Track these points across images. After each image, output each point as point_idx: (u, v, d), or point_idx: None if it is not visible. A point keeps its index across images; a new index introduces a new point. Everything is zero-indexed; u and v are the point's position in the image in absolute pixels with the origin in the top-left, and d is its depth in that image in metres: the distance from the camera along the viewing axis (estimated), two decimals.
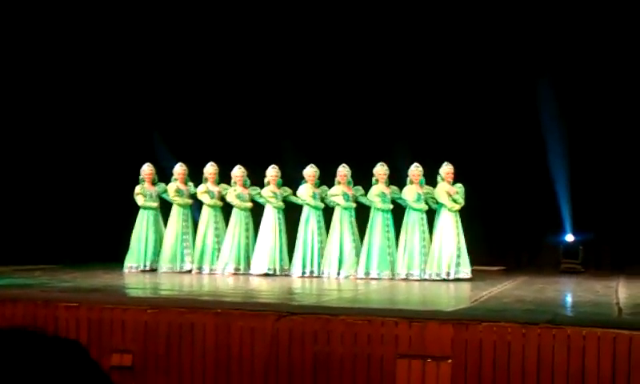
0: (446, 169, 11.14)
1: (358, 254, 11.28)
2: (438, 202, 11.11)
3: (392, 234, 11.24)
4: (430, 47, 13.22)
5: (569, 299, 8.98)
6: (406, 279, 10.93)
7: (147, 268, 11.95)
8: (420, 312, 7.32)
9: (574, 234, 12.77)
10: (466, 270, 10.94)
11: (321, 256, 11.45)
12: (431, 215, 11.20)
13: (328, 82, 13.72)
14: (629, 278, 10.92)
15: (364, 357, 6.95)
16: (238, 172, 11.99)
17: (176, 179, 12.23)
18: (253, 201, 11.90)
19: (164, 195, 12.30)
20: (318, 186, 11.67)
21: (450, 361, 6.74)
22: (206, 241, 11.91)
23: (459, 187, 11.09)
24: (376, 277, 11.02)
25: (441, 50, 13.19)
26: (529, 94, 12.83)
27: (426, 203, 11.17)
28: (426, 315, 7.11)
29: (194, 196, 12.19)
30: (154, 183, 12.32)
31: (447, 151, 11.69)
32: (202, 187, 12.05)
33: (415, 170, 11.25)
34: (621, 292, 9.59)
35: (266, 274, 11.36)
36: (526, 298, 8.79)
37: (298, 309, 7.48)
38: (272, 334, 7.15)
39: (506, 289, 9.87)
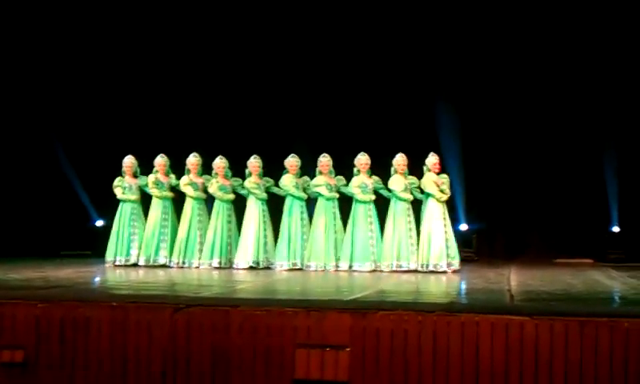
0: (432, 159, 11.04)
1: (341, 246, 11.11)
2: (423, 193, 11.04)
3: (376, 226, 11.08)
4: (405, 39, 13.15)
5: (463, 287, 9.17)
6: (394, 271, 10.77)
7: (124, 262, 11.65)
8: (318, 301, 7.34)
9: (467, 224, 13.08)
10: (455, 262, 10.90)
11: (304, 248, 11.24)
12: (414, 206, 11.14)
13: (308, 71, 13.53)
14: (520, 265, 11.25)
15: (263, 348, 6.92)
16: (219, 162, 11.71)
17: (157, 171, 11.92)
18: (235, 192, 11.66)
19: (145, 188, 11.97)
20: (300, 177, 11.45)
21: (348, 349, 6.79)
22: (189, 234, 11.62)
23: (444, 178, 11.06)
24: (359, 269, 10.86)
25: (414, 43, 13.13)
26: (427, 94, 12.97)
27: (411, 193, 11.08)
28: (324, 305, 7.13)
29: (175, 188, 11.90)
30: (135, 175, 11.98)
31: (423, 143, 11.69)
32: (184, 179, 11.76)
33: (401, 160, 11.11)
34: (512, 279, 9.88)
35: (251, 268, 11.14)
36: (422, 287, 8.96)
37: (196, 300, 7.38)
38: (169, 326, 7.05)
39: (403, 279, 10.02)
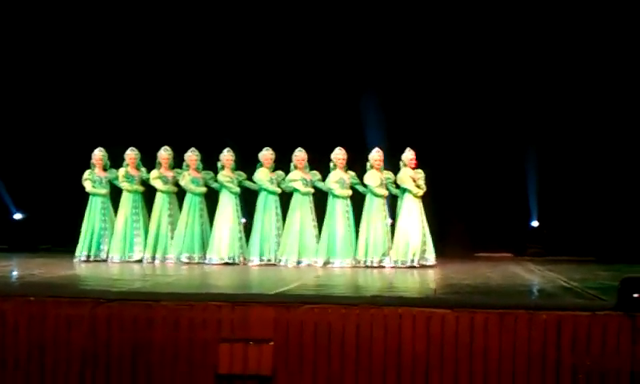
0: (409, 155, 10.95)
1: (317, 242, 10.90)
2: (399, 188, 10.95)
3: (352, 221, 10.90)
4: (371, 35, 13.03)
5: (388, 280, 9.25)
6: (370, 266, 10.63)
7: (95, 258, 11.30)
8: (242, 296, 7.31)
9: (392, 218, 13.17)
10: (431, 257, 10.85)
11: (278, 244, 10.99)
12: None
13: (281, 65, 13.23)
14: (444, 259, 11.38)
15: (185, 342, 6.85)
16: (191, 155, 11.40)
17: (127, 164, 11.56)
18: (206, 186, 11.38)
19: (115, 181, 11.60)
20: (273, 171, 11.18)
21: (271, 343, 6.77)
22: (160, 228, 11.31)
23: (420, 173, 10.97)
24: (339, 265, 10.65)
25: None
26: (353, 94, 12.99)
27: (387, 189, 10.97)
28: (247, 299, 7.11)
29: (146, 182, 11.57)
30: (105, 169, 11.62)
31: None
32: (154, 173, 11.44)
33: (377, 156, 10.93)
34: (435, 273, 10.02)
35: (227, 263, 10.87)
36: (348, 281, 9.01)
37: (117, 295, 7.26)
38: (89, 321, 6.92)
39: (333, 273, 10.06)
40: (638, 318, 6.51)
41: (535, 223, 13.00)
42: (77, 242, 11.39)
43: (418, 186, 10.85)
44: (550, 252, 12.54)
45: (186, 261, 11.04)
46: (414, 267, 10.60)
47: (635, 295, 6.55)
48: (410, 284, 8.87)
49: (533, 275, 9.91)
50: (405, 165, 10.93)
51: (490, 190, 11.34)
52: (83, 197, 11.58)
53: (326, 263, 10.69)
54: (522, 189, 12.88)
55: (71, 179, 11.94)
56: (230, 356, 6.77)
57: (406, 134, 11.72)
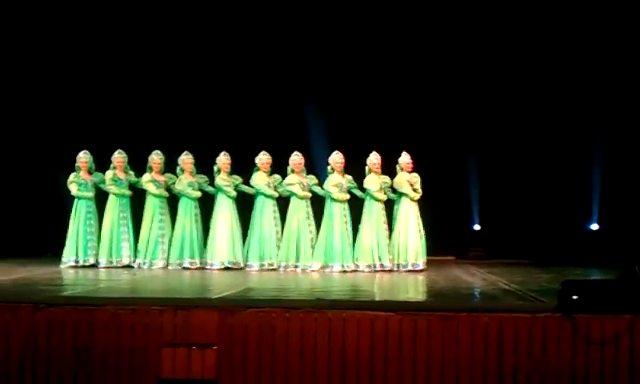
0: (406, 159, 10.90)
1: (314, 246, 10.73)
2: (396, 192, 10.90)
3: (349, 226, 10.77)
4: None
5: (332, 284, 9.25)
6: (374, 271, 10.52)
7: (82, 263, 10.95)
8: (185, 300, 7.25)
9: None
10: (424, 260, 10.83)
11: (278, 247, 10.78)
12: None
13: (274, 69, 12.96)
14: None
15: (127, 347, 6.78)
16: (186, 159, 11.11)
17: (115, 167, 11.21)
18: (200, 190, 11.11)
19: (101, 185, 11.26)
20: (270, 175, 10.98)
21: (215, 347, 6.73)
22: (150, 233, 11.00)
23: (416, 177, 10.92)
24: (338, 269, 10.50)
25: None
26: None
27: (385, 193, 10.91)
28: (190, 303, 7.05)
29: (134, 186, 11.26)
30: (90, 172, 11.28)
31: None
32: (146, 176, 11.11)
33: (375, 160, 10.83)
34: (378, 277, 10.07)
35: (227, 268, 10.64)
36: (290, 286, 8.99)
37: (58, 300, 7.14)
38: (28, 326, 6.79)
39: (271, 277, 10.04)
40: (577, 319, 6.63)
41: (477, 226, 13.15)
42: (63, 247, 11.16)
43: (415, 190, 10.87)
44: (491, 255, 12.70)
45: (184, 266, 10.81)
46: (412, 271, 10.63)
47: (575, 297, 6.68)
48: (349, 288, 8.88)
49: (474, 278, 10.02)
50: (401, 169, 10.92)
51: (433, 194, 11.42)
52: (67, 201, 11.35)
53: (324, 268, 10.60)
54: (464, 193, 13.02)
55: (55, 183, 11.80)
56: (172, 361, 6.72)
57: (350, 140, 11.75)
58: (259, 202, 10.87)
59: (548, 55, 12.52)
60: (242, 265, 10.78)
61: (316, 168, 11.26)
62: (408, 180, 10.85)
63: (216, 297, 7.52)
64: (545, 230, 12.45)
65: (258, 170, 10.92)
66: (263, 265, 10.71)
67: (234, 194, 10.96)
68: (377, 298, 7.81)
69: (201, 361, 6.72)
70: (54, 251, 11.74)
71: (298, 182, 10.81)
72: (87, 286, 8.88)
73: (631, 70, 12.03)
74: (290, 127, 12.57)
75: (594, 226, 12.75)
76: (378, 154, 10.86)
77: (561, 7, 12.42)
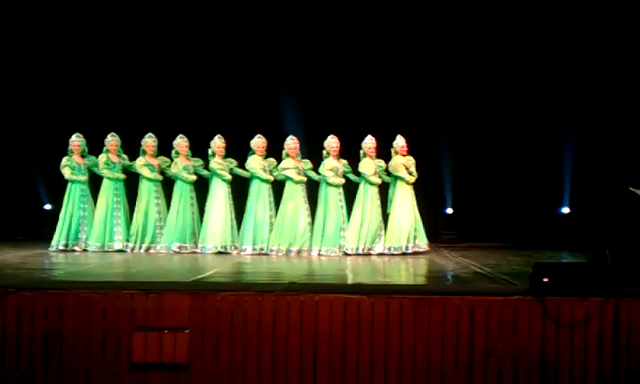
0: (400, 142, 10.88)
1: (311, 231, 10.69)
2: (391, 175, 10.88)
3: (345, 210, 10.75)
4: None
5: (307, 267, 9.26)
6: (364, 254, 10.55)
7: (73, 247, 10.82)
8: (156, 283, 7.21)
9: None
10: (423, 243, 10.85)
11: (270, 232, 10.71)
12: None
13: (270, 51, 12.80)
14: None
15: (98, 331, 6.74)
16: (181, 142, 10.97)
17: (108, 150, 11.05)
18: (195, 173, 11.00)
19: (94, 168, 11.09)
20: (265, 158, 10.88)
21: (187, 331, 6.71)
22: (148, 217, 10.88)
23: (411, 160, 10.92)
24: (332, 253, 10.51)
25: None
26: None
27: (380, 177, 10.88)
28: (162, 287, 7.01)
29: (127, 169, 11.11)
30: (82, 155, 11.10)
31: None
32: (140, 160, 10.96)
33: (370, 143, 10.82)
34: (349, 260, 10.08)
35: (220, 252, 10.56)
36: (262, 269, 8.98)
37: (28, 283, 7.07)
38: None
39: (245, 260, 10.02)
40: (548, 302, 6.68)
41: (449, 210, 13.20)
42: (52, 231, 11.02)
43: (410, 173, 10.87)
44: (464, 238, 12.76)
45: (177, 250, 10.72)
46: (407, 254, 10.65)
47: (546, 280, 6.72)
48: (323, 271, 8.88)
49: (447, 261, 10.06)
50: (396, 152, 10.90)
51: None
52: (59, 184, 11.21)
53: (319, 251, 10.59)
54: (437, 177, 13.05)
55: (48, 166, 11.63)
56: (144, 345, 6.68)
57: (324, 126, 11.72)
58: (254, 185, 10.81)
59: (522, 41, 12.56)
60: (236, 249, 10.71)
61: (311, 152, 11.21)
62: (403, 163, 10.86)
63: (188, 280, 7.49)
64: (517, 213, 12.53)
65: (254, 153, 10.85)
66: (256, 249, 10.64)
67: (229, 177, 10.89)
68: (350, 282, 7.81)
69: (173, 345, 6.69)
70: (25, 235, 11.64)
71: (294, 166, 10.76)
72: (59, 269, 8.81)
73: (603, 57, 12.10)
74: (281, 111, 12.51)
75: (565, 210, 12.85)
76: (373, 138, 10.87)
77: None
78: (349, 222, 10.72)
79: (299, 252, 10.59)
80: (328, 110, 12.56)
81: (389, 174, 10.95)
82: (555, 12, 12.40)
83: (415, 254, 10.69)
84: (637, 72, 11.62)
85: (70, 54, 12.88)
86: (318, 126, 11.60)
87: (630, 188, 8.00)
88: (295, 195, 10.71)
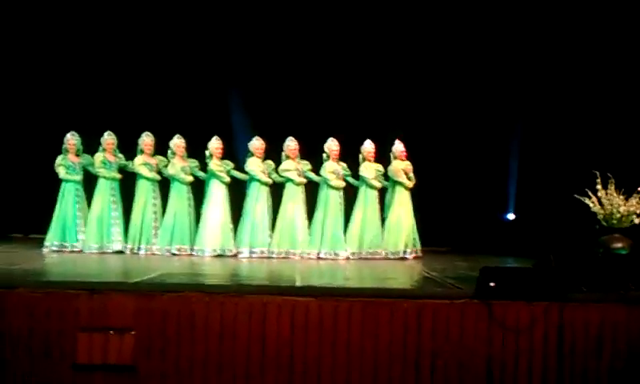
0: (399, 147, 10.90)
1: (309, 233, 10.59)
2: (389, 180, 10.87)
3: (343, 213, 10.70)
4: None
5: (248, 270, 9.22)
6: (369, 258, 10.51)
7: (70, 248, 10.52)
8: (102, 284, 7.10)
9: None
10: (418, 248, 10.86)
11: (270, 236, 10.52)
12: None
13: (265, 52, 12.60)
14: None
15: (42, 332, 6.61)
16: (178, 142, 10.71)
17: (104, 149, 10.73)
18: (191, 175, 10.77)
19: (89, 168, 10.77)
20: (263, 161, 10.69)
21: (133, 332, 6.62)
22: (145, 218, 10.60)
23: (409, 165, 10.94)
24: (333, 256, 10.44)
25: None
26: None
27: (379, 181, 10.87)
28: (107, 287, 6.91)
29: (123, 169, 10.82)
30: (77, 154, 10.78)
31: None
32: (139, 159, 10.67)
33: (369, 147, 10.82)
34: (301, 264, 10.06)
35: (219, 255, 10.34)
36: (216, 271, 8.91)
37: None
38: None
39: (197, 262, 9.94)
40: (494, 305, 6.75)
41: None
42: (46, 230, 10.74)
43: (409, 179, 10.92)
44: None
45: (176, 252, 10.49)
46: (405, 259, 10.67)
47: (492, 284, 6.79)
48: (266, 274, 8.85)
49: (395, 265, 10.11)
50: (395, 157, 10.94)
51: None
52: (53, 183, 10.87)
53: (319, 255, 10.52)
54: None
55: (41, 165, 11.25)
56: (88, 345, 6.58)
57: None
58: (253, 188, 10.65)
59: (469, 47, 12.66)
60: (234, 252, 10.55)
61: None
62: (403, 168, 10.92)
63: (133, 280, 7.40)
64: (464, 218, 12.63)
65: (252, 155, 10.71)
66: (254, 252, 10.49)
67: (227, 179, 10.71)
68: (298, 284, 7.80)
69: (118, 346, 6.60)
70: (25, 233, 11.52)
71: (294, 168, 10.69)
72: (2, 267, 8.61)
73: (550, 64, 12.26)
74: (282, 113, 12.34)
75: (511, 216, 13.01)
76: (372, 142, 10.91)
77: (482, 1, 12.58)
78: (349, 225, 10.73)
79: (300, 256, 10.50)
80: (321, 113, 12.46)
81: (386, 178, 11.00)
82: (502, 23, 12.54)
83: (411, 258, 10.73)
84: (582, 80, 11.80)
85: (65, 51, 12.60)
86: (313, 129, 11.52)
87: (575, 195, 8.12)
88: (295, 197, 10.65)
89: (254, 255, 10.45)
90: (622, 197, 7.84)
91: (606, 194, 7.86)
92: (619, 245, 7.59)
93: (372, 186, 10.83)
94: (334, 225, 10.63)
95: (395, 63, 12.73)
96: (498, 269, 7.12)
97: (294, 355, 6.69)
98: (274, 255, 10.46)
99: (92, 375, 6.59)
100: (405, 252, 10.78)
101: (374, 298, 6.83)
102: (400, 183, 10.90)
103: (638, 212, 7.78)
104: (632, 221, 7.81)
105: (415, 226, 10.97)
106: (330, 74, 12.69)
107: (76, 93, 12.56)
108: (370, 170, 10.85)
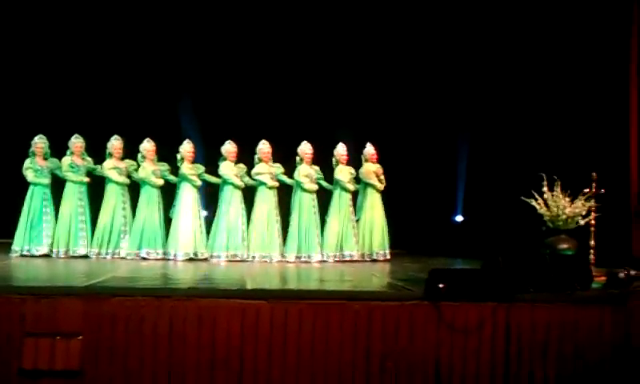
0: (370, 150, 11.03)
1: (281, 236, 10.59)
2: (360, 183, 10.95)
3: (318, 216, 10.71)
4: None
5: (202, 274, 9.16)
6: (339, 261, 10.61)
7: (35, 252, 10.30)
8: (48, 288, 6.99)
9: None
10: (387, 250, 10.96)
11: (243, 239, 10.47)
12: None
13: (242, 56, 12.56)
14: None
15: None
16: (148, 146, 10.58)
17: (72, 153, 10.53)
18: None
19: (56, 171, 10.53)
20: (235, 164, 10.66)
21: (80, 337, 6.54)
22: (114, 222, 10.42)
23: (380, 168, 11.05)
24: (307, 260, 10.49)
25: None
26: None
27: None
28: (55, 291, 6.81)
29: (92, 172, 10.61)
30: (45, 158, 10.53)
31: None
32: (108, 163, 10.51)
33: (342, 151, 10.90)
34: (252, 267, 10.04)
35: (191, 259, 10.22)
36: (181, 275, 8.84)
37: None
38: None
39: (146, 266, 9.85)
40: (442, 307, 6.81)
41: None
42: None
43: (380, 181, 11.02)
44: None
45: (146, 256, 10.37)
46: (377, 260, 10.79)
47: (441, 285, 6.85)
48: (221, 277, 8.80)
49: (345, 267, 10.14)
50: (366, 160, 11.05)
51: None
52: (20, 187, 10.70)
53: (294, 258, 10.55)
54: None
55: (7, 169, 11.14)
56: (35, 351, 6.47)
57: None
58: (226, 191, 10.62)
59: (419, 52, 12.77)
60: (206, 255, 10.49)
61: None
62: (374, 171, 11.03)
63: (81, 285, 7.29)
64: (414, 221, 12.73)
65: (225, 159, 10.67)
66: (228, 255, 10.46)
67: (199, 183, 10.65)
68: (249, 287, 7.77)
69: (65, 351, 6.51)
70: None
71: (267, 171, 10.70)
72: None
73: (497, 71, 12.41)
74: (254, 116, 12.35)
75: (459, 218, 13.15)
76: (344, 146, 11.01)
77: (433, 8, 12.70)
78: (325, 229, 10.79)
79: (275, 259, 10.52)
80: (294, 116, 12.51)
81: (358, 181, 11.08)
82: (449, 29, 12.67)
83: (384, 261, 10.85)
84: (527, 83, 11.96)
85: (32, 54, 12.42)
86: (285, 132, 11.59)
87: (522, 197, 8.24)
88: (267, 200, 10.67)
89: (229, 259, 10.44)
90: (567, 198, 7.98)
91: (552, 195, 7.98)
92: (565, 246, 7.73)
93: (346, 189, 10.93)
94: (308, 228, 10.68)
95: (351, 69, 12.80)
96: (446, 270, 7.21)
97: (243, 359, 6.66)
98: (248, 259, 10.47)
99: (38, 381, 6.48)
100: (377, 254, 10.94)
101: (324, 301, 6.84)
102: (372, 185, 11.03)
103: (583, 213, 7.93)
104: (577, 222, 7.96)
105: (386, 228, 11.10)
106: (301, 79, 12.75)
107: (43, 95, 12.41)
108: (344, 173, 10.94)
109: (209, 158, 11.05)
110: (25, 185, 10.66)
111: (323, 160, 11.14)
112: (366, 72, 12.81)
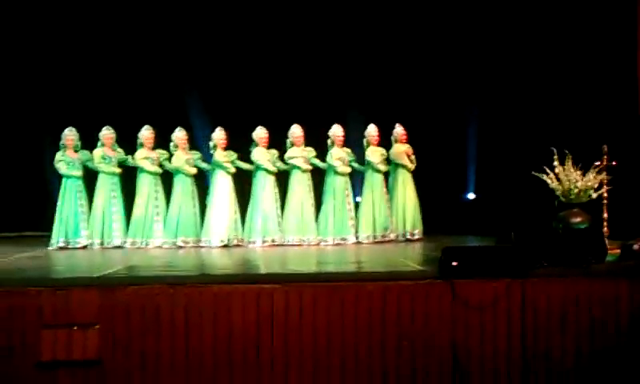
0: (400, 130, 11.08)
1: (316, 220, 10.65)
2: (391, 163, 11.03)
3: (351, 198, 10.79)
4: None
5: (213, 261, 9.19)
6: (375, 242, 10.69)
7: (73, 244, 10.39)
8: (63, 279, 7.04)
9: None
10: (420, 229, 11.08)
11: (279, 223, 10.53)
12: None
13: (269, 41, 12.54)
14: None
15: (4, 331, 6.53)
16: (181, 135, 10.66)
17: (103, 144, 10.61)
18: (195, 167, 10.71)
19: (88, 163, 10.61)
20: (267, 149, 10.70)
21: (97, 327, 6.57)
22: (147, 212, 10.49)
23: (410, 148, 11.10)
24: (343, 242, 10.61)
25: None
26: None
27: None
28: (69, 282, 6.85)
29: (122, 163, 10.70)
30: (76, 150, 10.60)
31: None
32: (140, 153, 10.57)
33: (373, 131, 10.96)
34: (262, 251, 10.06)
35: (226, 246, 10.27)
36: (176, 262, 8.86)
37: None
38: None
39: (159, 253, 9.88)
40: (457, 285, 6.81)
41: (358, 199, 13.27)
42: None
43: (412, 161, 11.08)
44: None
45: (182, 244, 10.42)
46: (411, 240, 10.86)
47: (454, 263, 6.85)
48: (228, 263, 8.83)
49: (359, 248, 10.15)
50: (396, 140, 11.10)
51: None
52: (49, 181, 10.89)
53: (329, 241, 10.62)
54: None
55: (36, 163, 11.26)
56: (53, 342, 6.51)
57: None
58: (260, 177, 10.63)
59: (429, 29, 12.71)
60: (243, 242, 10.54)
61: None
62: (405, 151, 11.06)
63: (96, 275, 7.33)
64: (426, 200, 12.71)
65: (257, 145, 10.69)
66: (266, 241, 10.49)
67: (233, 169, 10.66)
68: (262, 271, 7.79)
69: (82, 341, 6.54)
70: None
71: (300, 155, 10.72)
72: None
73: (506, 46, 12.34)
74: (285, 101, 12.33)
75: (471, 196, 13.11)
76: (376, 127, 11.03)
77: None
78: (359, 210, 10.85)
79: (313, 242, 10.59)
80: (325, 99, 12.51)
81: (389, 162, 11.10)
82: (458, 5, 12.60)
83: (418, 240, 10.92)
84: (536, 58, 11.90)
85: (60, 47, 12.44)
86: (315, 116, 11.62)
87: (533, 172, 8.21)
88: (302, 183, 10.71)
89: (265, 244, 10.45)
90: (579, 172, 7.93)
91: (564, 169, 7.94)
92: (578, 219, 7.68)
93: (378, 170, 10.96)
94: (342, 210, 10.72)
95: (353, 47, 12.75)
96: (459, 248, 7.19)
97: (260, 343, 6.68)
98: (285, 243, 10.50)
99: (57, 372, 6.53)
100: (412, 234, 10.98)
101: (338, 282, 6.85)
102: (403, 166, 11.06)
103: (595, 186, 7.89)
104: (590, 195, 7.91)
105: (419, 207, 11.15)
106: (329, 63, 12.70)
107: (72, 88, 12.44)
108: (375, 154, 10.96)
109: (233, 145, 10.99)
110: (57, 178, 10.74)
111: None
112: (374, 50, 12.76)
